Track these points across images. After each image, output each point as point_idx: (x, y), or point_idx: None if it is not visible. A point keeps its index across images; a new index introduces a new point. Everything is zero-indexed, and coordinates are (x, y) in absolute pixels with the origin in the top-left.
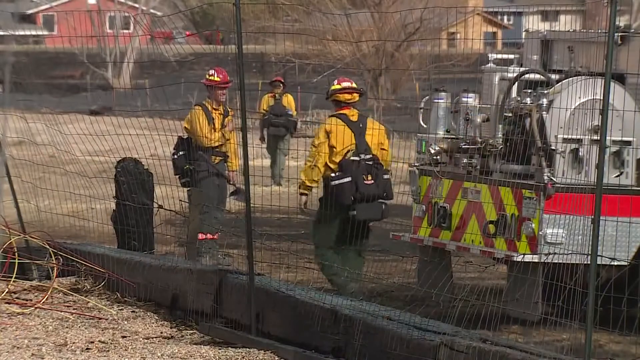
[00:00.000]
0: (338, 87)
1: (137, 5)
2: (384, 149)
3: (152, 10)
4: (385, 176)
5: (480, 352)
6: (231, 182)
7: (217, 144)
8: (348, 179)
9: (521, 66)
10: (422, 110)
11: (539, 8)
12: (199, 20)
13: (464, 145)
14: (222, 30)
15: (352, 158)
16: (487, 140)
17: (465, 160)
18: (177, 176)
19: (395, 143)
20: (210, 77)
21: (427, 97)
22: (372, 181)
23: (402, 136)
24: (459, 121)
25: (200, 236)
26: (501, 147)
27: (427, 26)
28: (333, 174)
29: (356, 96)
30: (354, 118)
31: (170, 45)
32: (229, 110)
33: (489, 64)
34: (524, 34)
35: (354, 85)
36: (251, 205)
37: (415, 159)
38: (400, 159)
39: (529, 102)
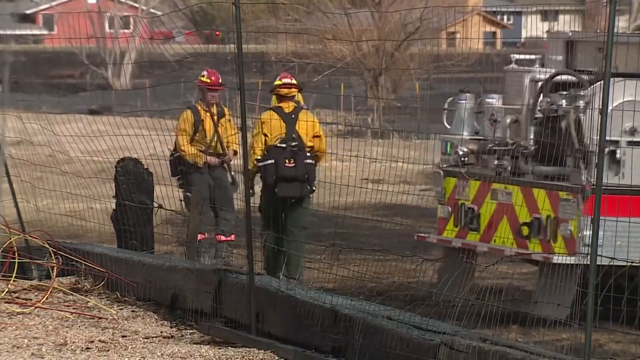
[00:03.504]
0: (279, 82)
1: (137, 5)
2: (317, 136)
3: (152, 10)
4: (307, 161)
5: (480, 352)
6: (228, 160)
7: (190, 157)
8: (271, 162)
9: (543, 66)
10: (445, 111)
11: (538, 8)
12: (198, 20)
13: (493, 146)
14: (222, 29)
15: (278, 144)
16: (519, 141)
17: (495, 162)
18: (175, 177)
19: (394, 143)
20: (202, 79)
21: (452, 98)
22: (293, 165)
23: (401, 136)
24: (482, 122)
25: (199, 236)
26: (534, 149)
27: (427, 26)
28: (259, 157)
29: (294, 91)
30: (288, 110)
31: (168, 44)
32: (225, 110)
33: (512, 65)
34: (545, 34)
35: (293, 81)
36: (251, 205)
37: (441, 160)
38: (400, 159)
39: (564, 103)
